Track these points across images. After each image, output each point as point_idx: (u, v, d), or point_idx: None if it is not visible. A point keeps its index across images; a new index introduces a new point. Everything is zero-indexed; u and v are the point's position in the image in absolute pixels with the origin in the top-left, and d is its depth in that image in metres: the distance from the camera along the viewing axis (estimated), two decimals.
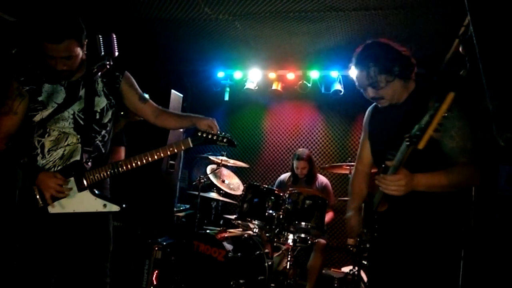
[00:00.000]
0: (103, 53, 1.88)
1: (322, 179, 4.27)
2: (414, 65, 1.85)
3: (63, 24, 1.84)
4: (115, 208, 1.98)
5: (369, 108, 2.14)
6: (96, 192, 1.99)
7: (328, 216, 3.74)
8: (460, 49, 2.94)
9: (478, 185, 1.87)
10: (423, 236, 1.78)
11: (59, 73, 1.94)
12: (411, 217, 1.82)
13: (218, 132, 2.07)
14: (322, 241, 3.78)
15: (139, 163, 1.99)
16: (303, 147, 5.09)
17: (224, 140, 2.06)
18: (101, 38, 1.87)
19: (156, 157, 2.00)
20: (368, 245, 2.02)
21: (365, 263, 3.43)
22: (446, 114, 1.40)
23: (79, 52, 1.93)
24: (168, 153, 2.02)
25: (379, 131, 2.02)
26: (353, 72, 1.90)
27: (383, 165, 1.73)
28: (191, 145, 2.03)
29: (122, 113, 2.53)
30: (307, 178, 4.19)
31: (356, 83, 1.91)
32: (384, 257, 1.93)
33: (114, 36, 1.90)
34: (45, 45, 1.84)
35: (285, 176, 4.45)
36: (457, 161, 1.70)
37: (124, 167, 1.99)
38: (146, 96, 2.21)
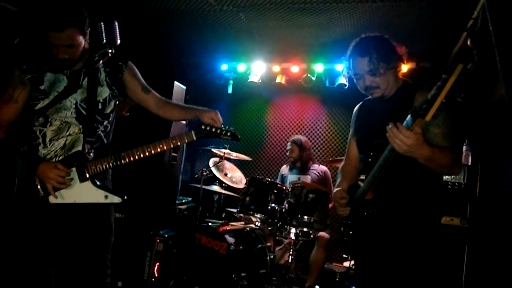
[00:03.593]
0: (105, 40, 1.85)
1: (321, 167, 4.34)
2: (404, 64, 1.96)
3: (65, 12, 1.82)
4: (116, 199, 1.96)
5: (356, 106, 2.25)
6: (98, 183, 1.97)
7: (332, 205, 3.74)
8: (468, 42, 2.89)
9: (457, 174, 1.95)
10: (406, 224, 1.84)
11: (61, 61, 1.91)
12: (396, 206, 1.86)
13: (222, 125, 2.04)
14: (325, 235, 3.76)
15: (141, 155, 1.96)
16: None
17: (228, 134, 2.03)
18: (103, 26, 1.83)
19: (159, 149, 1.97)
20: (349, 236, 2.06)
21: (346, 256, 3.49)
22: (454, 86, 1.38)
23: (82, 41, 1.90)
24: (171, 145, 1.99)
25: (366, 123, 2.09)
26: (349, 63, 1.95)
27: (371, 153, 1.82)
28: (195, 138, 2.00)
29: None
30: (301, 165, 4.29)
31: (352, 72, 1.96)
32: (370, 244, 1.96)
33: (116, 23, 1.86)
34: (48, 33, 1.82)
35: (285, 166, 4.53)
36: (441, 146, 1.77)
37: (127, 159, 1.96)
38: None
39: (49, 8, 1.81)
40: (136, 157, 1.96)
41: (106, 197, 1.95)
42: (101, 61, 1.96)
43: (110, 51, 1.88)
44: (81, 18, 1.88)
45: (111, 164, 1.96)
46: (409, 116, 1.54)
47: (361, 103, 2.22)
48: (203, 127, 2.01)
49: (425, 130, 1.75)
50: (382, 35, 1.95)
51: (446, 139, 1.76)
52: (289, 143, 4.38)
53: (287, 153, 4.39)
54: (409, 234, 1.83)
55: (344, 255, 3.66)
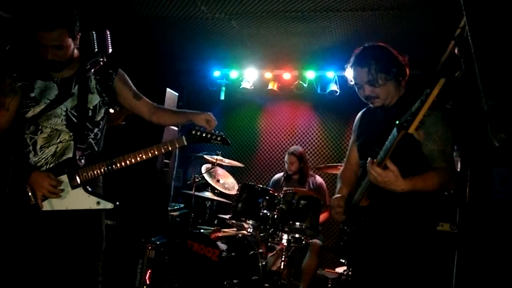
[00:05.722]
0: (96, 49, 1.86)
1: (317, 179, 4.26)
2: (407, 73, 1.97)
3: (55, 13, 1.84)
4: (109, 205, 1.96)
5: (359, 113, 2.23)
6: (90, 189, 1.97)
7: (324, 216, 3.74)
8: (456, 51, 2.94)
9: (453, 189, 1.95)
10: (400, 231, 1.85)
11: (49, 63, 1.91)
12: (390, 213, 1.87)
13: (212, 130, 2.06)
14: (318, 242, 3.78)
15: (133, 160, 1.97)
16: None
17: (218, 139, 2.06)
18: (94, 35, 1.85)
19: (150, 154, 1.98)
20: (345, 241, 2.07)
21: (343, 261, 3.46)
22: (436, 100, 1.41)
23: (71, 43, 1.91)
24: (162, 151, 2.00)
25: (367, 130, 2.10)
26: (351, 71, 1.98)
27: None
28: (185, 143, 2.02)
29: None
30: (299, 177, 4.19)
31: (353, 81, 1.99)
32: (363, 250, 1.97)
33: (108, 32, 1.88)
34: (38, 33, 1.83)
35: (279, 175, 4.45)
36: (436, 164, 1.77)
37: (118, 165, 1.97)
38: None
39: (40, 8, 1.83)
40: (128, 162, 1.97)
41: (98, 203, 1.95)
42: (92, 70, 1.97)
43: (101, 59, 1.90)
44: (71, 20, 1.89)
45: (102, 170, 1.96)
46: (395, 129, 1.56)
47: (364, 109, 2.21)
48: (193, 132, 2.03)
49: (422, 145, 1.78)
50: (384, 44, 1.96)
51: (443, 158, 1.76)
52: (286, 155, 4.21)
53: (286, 166, 4.23)
54: (404, 241, 1.84)
55: (340, 259, 3.65)
